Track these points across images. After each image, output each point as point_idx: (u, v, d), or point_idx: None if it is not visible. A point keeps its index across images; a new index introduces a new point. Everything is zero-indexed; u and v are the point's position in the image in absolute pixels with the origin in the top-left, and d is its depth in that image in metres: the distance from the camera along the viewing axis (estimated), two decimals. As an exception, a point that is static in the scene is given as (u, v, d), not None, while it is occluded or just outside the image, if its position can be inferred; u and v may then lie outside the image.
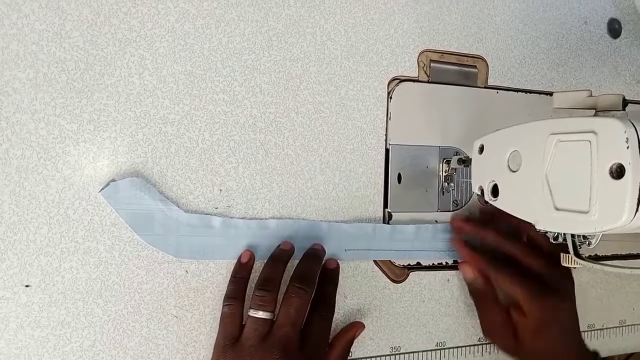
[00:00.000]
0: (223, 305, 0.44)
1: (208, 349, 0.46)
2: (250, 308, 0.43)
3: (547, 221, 0.39)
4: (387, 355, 0.52)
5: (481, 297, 0.52)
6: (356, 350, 0.51)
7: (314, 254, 0.47)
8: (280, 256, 0.46)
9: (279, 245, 0.47)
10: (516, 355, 0.50)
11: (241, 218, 0.46)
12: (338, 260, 0.49)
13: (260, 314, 0.43)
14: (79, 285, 0.42)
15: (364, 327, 0.50)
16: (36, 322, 0.41)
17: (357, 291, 0.51)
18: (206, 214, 0.45)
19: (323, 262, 0.48)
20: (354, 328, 0.49)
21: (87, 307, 0.42)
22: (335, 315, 0.49)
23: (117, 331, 0.43)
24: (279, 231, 0.47)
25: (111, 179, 0.42)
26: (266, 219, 0.47)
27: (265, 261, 0.46)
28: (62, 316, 0.42)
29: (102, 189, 0.42)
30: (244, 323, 0.44)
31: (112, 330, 0.43)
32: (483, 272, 0.51)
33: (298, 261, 0.47)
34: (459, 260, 0.53)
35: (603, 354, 0.64)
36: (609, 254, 0.62)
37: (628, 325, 0.64)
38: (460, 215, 0.54)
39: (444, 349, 0.54)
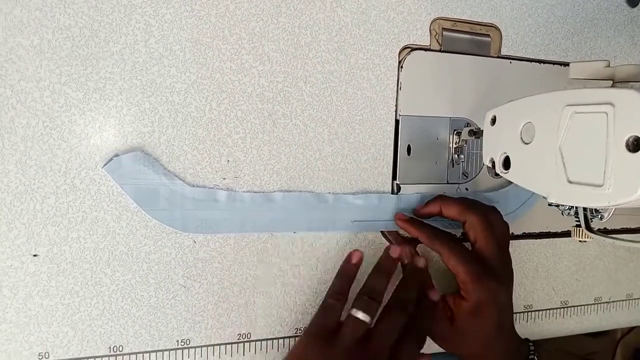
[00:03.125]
0: (328, 297, 0.45)
1: (216, 318, 0.46)
2: (353, 307, 0.44)
3: (560, 194, 0.38)
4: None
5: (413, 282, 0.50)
6: (363, 321, 0.51)
7: (418, 279, 0.48)
8: (387, 268, 0.47)
9: (385, 255, 0.47)
10: (450, 344, 0.49)
11: (246, 191, 0.46)
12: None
13: (361, 315, 0.43)
14: (87, 255, 0.42)
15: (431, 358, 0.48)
16: (45, 291, 0.41)
17: (364, 262, 0.50)
18: (212, 186, 0.45)
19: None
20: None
21: (96, 276, 0.42)
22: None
23: (126, 300, 0.44)
24: (285, 204, 0.47)
25: (114, 154, 0.42)
26: (272, 192, 0.47)
27: (372, 270, 0.47)
28: (70, 285, 0.42)
29: (106, 164, 0.42)
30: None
31: (121, 300, 0.43)
32: (430, 247, 0.49)
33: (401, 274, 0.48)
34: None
35: (609, 327, 0.65)
36: (618, 228, 0.62)
37: (635, 299, 0.64)
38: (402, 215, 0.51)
39: (451, 320, 0.54)
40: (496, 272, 0.47)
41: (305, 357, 0.43)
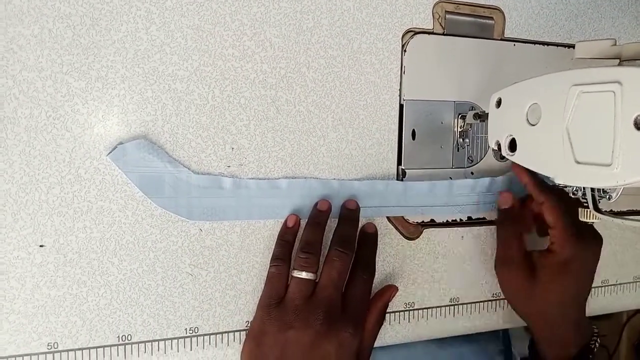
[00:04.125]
0: (270, 266, 0.46)
1: (224, 306, 0.46)
2: (294, 269, 0.44)
3: (567, 175, 0.38)
4: (402, 311, 0.52)
5: (508, 228, 0.50)
6: (370, 306, 0.51)
7: (351, 217, 0.48)
8: (318, 218, 0.46)
9: (316, 205, 0.47)
10: (520, 298, 0.50)
11: (251, 178, 0.46)
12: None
13: (304, 275, 0.44)
14: (94, 245, 0.42)
15: (397, 289, 0.50)
16: (52, 281, 0.41)
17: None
18: (218, 173, 0.45)
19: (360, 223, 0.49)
20: (389, 291, 0.49)
21: (103, 266, 0.42)
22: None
23: (133, 290, 0.44)
24: (290, 191, 0.47)
25: (119, 142, 0.42)
26: (277, 178, 0.47)
27: (306, 224, 0.47)
28: (77, 275, 0.42)
29: (110, 152, 0.41)
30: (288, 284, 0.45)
31: (128, 289, 0.43)
32: (535, 196, 0.49)
33: (337, 222, 0.47)
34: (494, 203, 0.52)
35: (616, 310, 0.65)
36: (625, 210, 0.61)
37: (642, 281, 0.64)
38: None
39: (458, 304, 0.54)
40: (590, 236, 0.49)
41: (261, 332, 0.44)
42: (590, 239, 0.49)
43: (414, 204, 0.51)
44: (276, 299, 0.44)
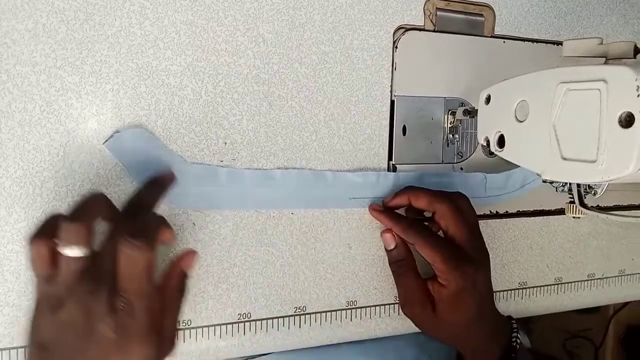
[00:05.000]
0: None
1: (216, 299, 0.47)
2: (58, 247, 0.35)
3: (554, 171, 0.39)
4: (392, 304, 0.53)
5: (401, 268, 0.50)
6: (360, 299, 0.52)
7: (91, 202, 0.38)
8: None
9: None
10: (433, 329, 0.50)
11: (247, 168, 0.46)
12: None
13: (69, 252, 0.35)
14: (87, 238, 0.42)
15: (196, 253, 0.41)
16: (46, 274, 0.42)
17: (361, 242, 0.51)
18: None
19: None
20: (181, 261, 0.41)
21: (96, 259, 0.43)
22: (342, 266, 0.50)
23: (127, 283, 0.44)
24: (285, 181, 0.47)
25: (115, 130, 0.42)
26: (272, 169, 0.47)
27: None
28: (71, 268, 0.42)
29: (106, 140, 0.42)
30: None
31: (122, 282, 0.44)
32: (404, 238, 0.49)
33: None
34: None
35: (602, 303, 0.66)
36: (611, 205, 0.63)
37: (627, 275, 0.65)
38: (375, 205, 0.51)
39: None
40: (472, 257, 0.47)
41: (34, 324, 0.36)
42: (475, 261, 0.47)
43: None
44: (42, 279, 0.36)
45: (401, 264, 0.50)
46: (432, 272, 0.47)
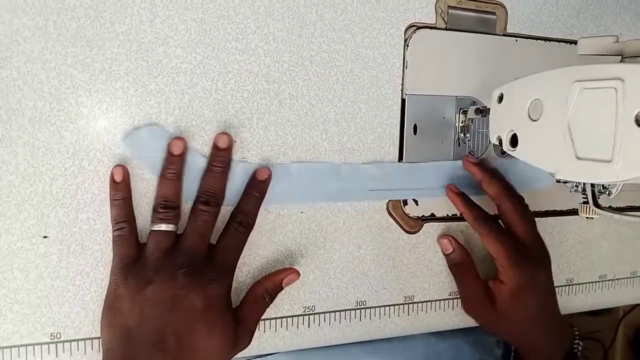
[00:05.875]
0: (113, 231, 0.41)
1: (225, 298, 0.46)
2: (152, 223, 0.42)
3: (568, 171, 0.38)
4: (401, 304, 0.53)
5: (461, 270, 0.52)
6: (370, 299, 0.51)
7: (216, 167, 0.44)
8: (172, 170, 0.42)
9: (166, 164, 0.42)
10: (493, 325, 0.51)
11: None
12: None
13: (164, 227, 0.41)
14: (97, 236, 0.42)
15: (299, 275, 0.46)
16: (55, 272, 0.42)
17: (370, 242, 0.51)
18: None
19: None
20: (286, 272, 0.46)
21: (106, 257, 0.43)
22: (351, 266, 0.49)
23: (136, 281, 0.44)
24: (301, 175, 0.47)
25: (132, 127, 0.42)
26: (288, 163, 0.47)
27: (158, 180, 0.43)
28: (80, 266, 0.42)
29: (124, 137, 0.42)
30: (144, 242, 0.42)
31: (131, 280, 0.44)
32: (473, 228, 0.50)
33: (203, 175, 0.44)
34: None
35: (614, 305, 0.65)
36: (624, 206, 0.62)
37: (639, 276, 0.64)
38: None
39: (457, 298, 0.54)
40: (533, 256, 0.49)
41: (116, 298, 0.40)
42: (537, 259, 0.49)
43: (422, 186, 0.52)
44: (130, 258, 0.40)
45: (460, 266, 0.52)
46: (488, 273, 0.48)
